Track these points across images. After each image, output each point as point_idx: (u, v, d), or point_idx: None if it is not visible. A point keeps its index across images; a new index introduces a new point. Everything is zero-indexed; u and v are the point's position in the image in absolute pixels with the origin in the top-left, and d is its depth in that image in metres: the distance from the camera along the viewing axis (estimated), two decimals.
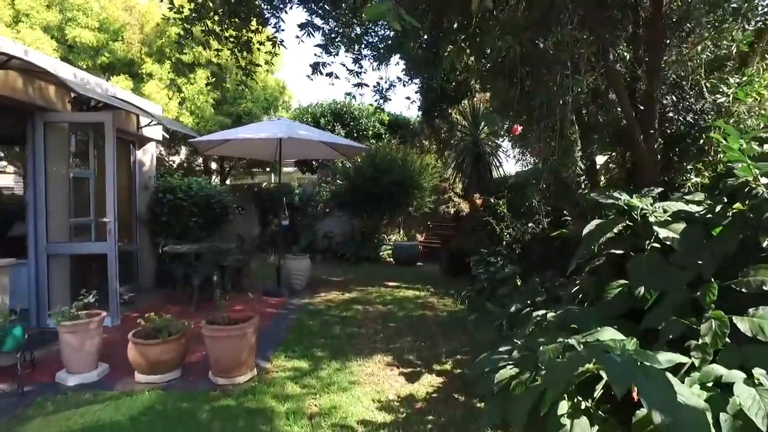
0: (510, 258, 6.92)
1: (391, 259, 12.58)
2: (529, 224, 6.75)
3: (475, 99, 9.99)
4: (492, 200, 7.13)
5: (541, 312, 3.13)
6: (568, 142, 4.43)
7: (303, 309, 7.05)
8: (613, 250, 3.05)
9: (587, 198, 4.03)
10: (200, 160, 13.33)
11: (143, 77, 10.17)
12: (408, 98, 10.24)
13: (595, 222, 3.11)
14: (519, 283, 6.00)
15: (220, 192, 9.39)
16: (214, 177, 13.81)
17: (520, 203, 7.29)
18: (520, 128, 6.20)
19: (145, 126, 8.29)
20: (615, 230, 2.91)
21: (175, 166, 13.67)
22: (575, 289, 3.49)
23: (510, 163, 24.84)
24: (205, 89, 10.29)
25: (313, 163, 14.89)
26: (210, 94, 10.52)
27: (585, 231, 3.08)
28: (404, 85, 7.18)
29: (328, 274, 10.27)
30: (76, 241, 6.45)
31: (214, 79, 9.76)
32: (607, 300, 2.83)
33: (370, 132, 14.04)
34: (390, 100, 7.85)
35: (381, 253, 12.60)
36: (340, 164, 12.98)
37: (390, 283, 9.06)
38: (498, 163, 10.57)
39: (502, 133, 8.97)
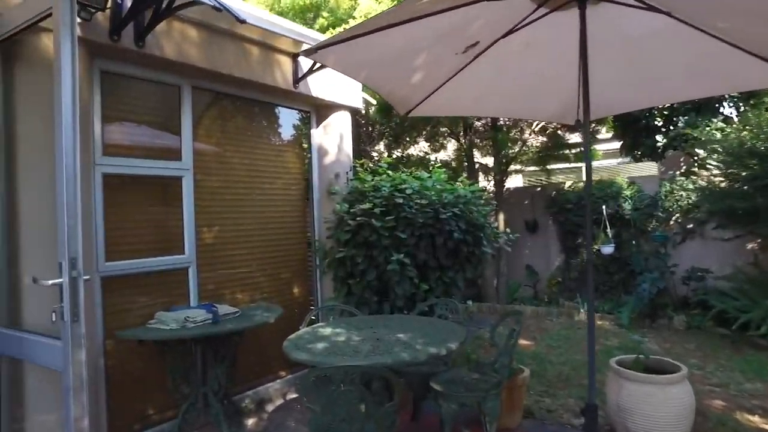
0: None
1: None
2: None
3: None
4: None
5: None
6: None
7: None
8: None
9: None
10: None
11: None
12: None
13: None
14: None
15: (468, 199, 4.58)
16: (482, 179, 9.12)
17: None
18: None
19: (308, 74, 4.24)
20: None
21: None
22: None
23: None
24: None
25: (658, 144, 8.52)
26: None
27: None
28: None
29: (721, 392, 4.14)
30: None
31: None
32: None
33: None
34: None
35: None
36: (717, 133, 6.46)
37: None
38: None
39: None
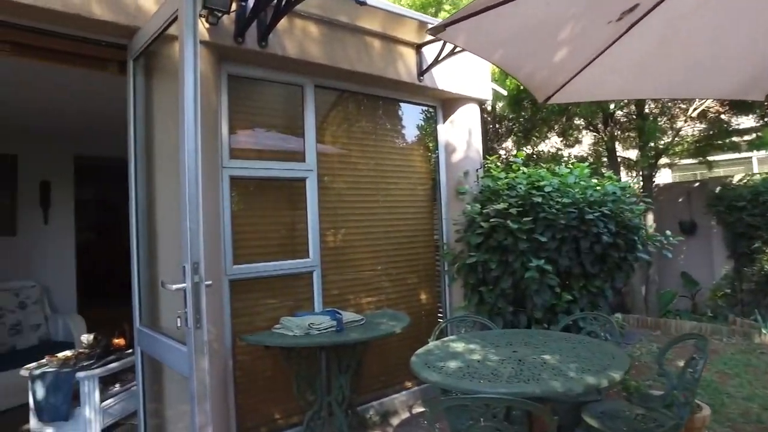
0: None
1: None
2: None
3: None
4: None
5: None
6: None
7: None
8: None
9: None
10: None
11: None
12: None
13: None
14: None
15: (618, 197, 3.95)
16: (624, 175, 8.05)
17: None
18: None
19: (433, 65, 3.94)
20: None
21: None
22: None
23: None
24: None
25: None
26: None
27: None
28: None
29: None
30: None
31: None
32: None
33: None
34: None
35: None
36: None
37: None
38: None
39: None
